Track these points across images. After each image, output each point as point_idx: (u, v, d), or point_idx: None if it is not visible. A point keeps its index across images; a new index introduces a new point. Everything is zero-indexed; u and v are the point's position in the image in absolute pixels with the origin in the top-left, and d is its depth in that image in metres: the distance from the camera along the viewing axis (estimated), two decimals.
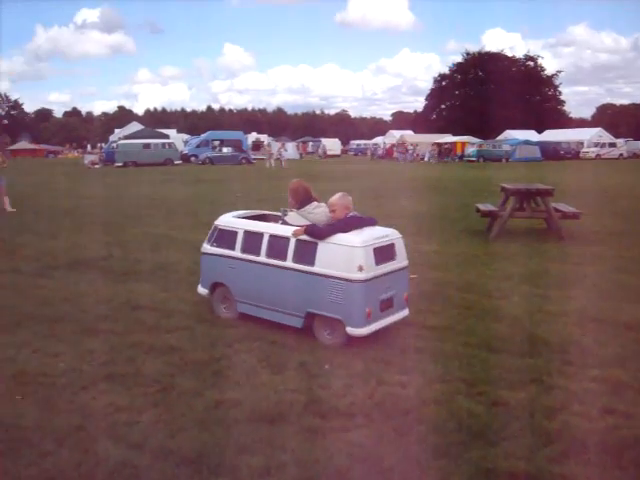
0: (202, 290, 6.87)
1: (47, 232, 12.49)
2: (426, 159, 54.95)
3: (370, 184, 24.96)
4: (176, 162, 48.08)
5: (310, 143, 79.76)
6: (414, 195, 20.02)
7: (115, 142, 53.65)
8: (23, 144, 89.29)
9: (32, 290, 7.84)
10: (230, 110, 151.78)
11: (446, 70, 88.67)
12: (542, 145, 53.79)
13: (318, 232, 5.82)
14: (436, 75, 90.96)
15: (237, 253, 6.36)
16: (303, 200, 6.22)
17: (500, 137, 61.76)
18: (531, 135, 62.44)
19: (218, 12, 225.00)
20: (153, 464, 3.68)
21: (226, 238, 6.52)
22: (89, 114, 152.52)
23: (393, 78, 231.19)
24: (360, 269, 5.59)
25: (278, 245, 6.02)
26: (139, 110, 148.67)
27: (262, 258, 6.13)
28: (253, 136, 68.64)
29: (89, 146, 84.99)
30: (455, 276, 8.57)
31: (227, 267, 6.48)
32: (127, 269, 9.08)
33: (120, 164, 45.79)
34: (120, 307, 6.99)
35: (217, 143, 54.85)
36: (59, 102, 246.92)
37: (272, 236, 6.10)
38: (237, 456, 3.80)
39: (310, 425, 4.19)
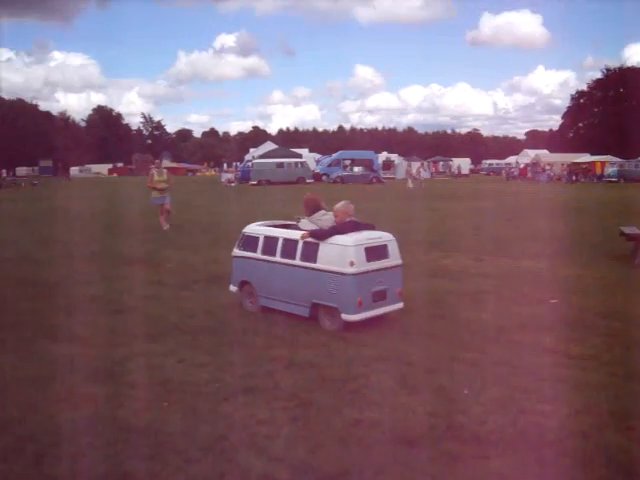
0: (233, 288, 7.96)
1: (189, 247, 13.05)
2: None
3: (505, 205, 24.34)
4: (308, 181, 48.98)
5: (440, 162, 78.94)
6: (551, 216, 19.31)
7: (250, 161, 55.41)
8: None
9: (176, 302, 8.20)
10: (361, 129, 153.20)
11: (584, 87, 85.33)
12: None
13: (320, 234, 6.93)
14: (573, 92, 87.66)
15: (258, 255, 7.48)
16: (313, 209, 7.29)
17: None
18: None
19: (349, 34, 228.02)
20: (294, 479, 3.71)
21: (250, 243, 7.64)
22: (226, 134, 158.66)
23: (527, 96, 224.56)
24: (351, 264, 6.61)
25: (289, 247, 7.13)
26: (273, 130, 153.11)
27: (277, 258, 7.24)
28: (384, 155, 68.82)
29: (225, 165, 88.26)
30: (597, 302, 8.11)
31: (251, 267, 7.60)
32: None
33: (255, 182, 47.23)
34: (260, 321, 7.17)
35: (348, 162, 55.43)
36: (198, 123, 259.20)
37: (285, 239, 7.22)
38: (376, 476, 3.76)
39: (450, 450, 4.08)
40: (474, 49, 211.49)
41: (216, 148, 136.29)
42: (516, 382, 5.29)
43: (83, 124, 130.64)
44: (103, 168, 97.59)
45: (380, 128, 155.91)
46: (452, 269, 10.67)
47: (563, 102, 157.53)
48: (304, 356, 5.89)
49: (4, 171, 74.10)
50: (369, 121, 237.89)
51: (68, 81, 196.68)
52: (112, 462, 3.88)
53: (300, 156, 58.88)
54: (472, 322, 7.17)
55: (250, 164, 52.89)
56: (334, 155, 60.54)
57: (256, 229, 7.76)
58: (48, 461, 3.90)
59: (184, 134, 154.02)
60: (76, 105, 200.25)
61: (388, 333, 6.73)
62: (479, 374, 5.46)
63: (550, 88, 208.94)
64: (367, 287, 6.73)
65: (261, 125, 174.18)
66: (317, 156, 69.52)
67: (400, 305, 7.20)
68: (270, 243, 7.35)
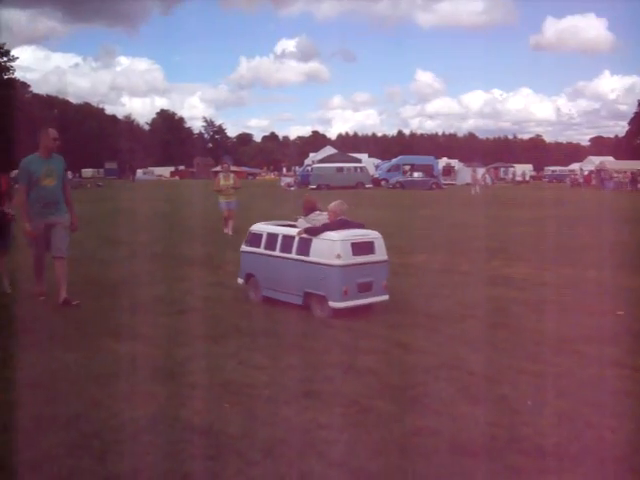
0: (240, 280, 8.77)
1: None
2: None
3: (569, 212, 23.82)
4: (367, 186, 48.94)
5: (501, 169, 77.76)
6: (615, 225, 18.79)
7: (310, 165, 55.73)
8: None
9: (236, 304, 8.28)
10: (421, 135, 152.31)
11: None
12: None
13: (312, 231, 7.74)
14: None
15: (262, 250, 8.27)
16: (309, 210, 8.26)
17: None
18: None
19: (410, 39, 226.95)
20: None
21: (255, 239, 8.46)
22: (285, 138, 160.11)
23: (591, 101, 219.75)
24: (338, 257, 7.36)
25: (287, 242, 7.94)
26: (332, 135, 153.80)
27: (277, 252, 8.04)
28: (444, 161, 68.22)
29: (284, 169, 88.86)
30: None
31: (255, 261, 8.43)
32: None
33: (314, 187, 47.42)
34: (318, 326, 7.17)
35: (408, 168, 55.15)
36: (258, 127, 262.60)
37: (284, 236, 8.04)
38: None
39: (514, 463, 3.98)
40: (537, 53, 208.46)
41: (276, 152, 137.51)
42: (581, 395, 5.14)
43: (147, 127, 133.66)
44: (165, 171, 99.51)
45: (440, 133, 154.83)
46: (514, 277, 10.48)
47: (629, 108, 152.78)
48: (364, 362, 5.86)
49: (69, 173, 76.05)
50: (429, 126, 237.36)
51: (133, 85, 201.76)
52: (173, 461, 3.91)
53: (359, 161, 58.93)
54: (535, 332, 7.02)
55: (310, 168, 53.25)
56: (394, 160, 60.41)
57: (261, 227, 8.61)
58: (112, 458, 3.96)
59: (244, 138, 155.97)
60: (140, 109, 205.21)
61: (449, 341, 6.64)
62: (543, 385, 5.34)
63: (616, 93, 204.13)
64: (353, 278, 7.46)
65: (321, 130, 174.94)
66: (376, 161, 69.42)
67: (385, 297, 7.87)
68: (271, 239, 8.21)
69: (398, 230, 17.79)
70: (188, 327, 7.15)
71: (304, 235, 7.75)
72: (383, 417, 4.64)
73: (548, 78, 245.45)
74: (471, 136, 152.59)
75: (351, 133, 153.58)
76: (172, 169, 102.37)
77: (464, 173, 61.78)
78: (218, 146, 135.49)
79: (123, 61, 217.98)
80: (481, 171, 52.76)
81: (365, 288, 7.58)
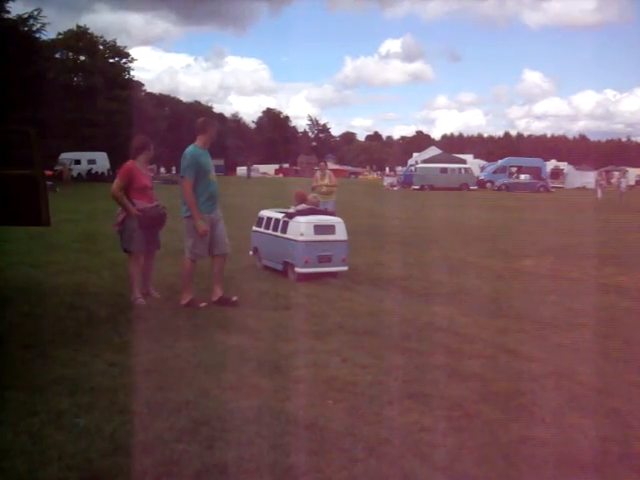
0: (250, 252, 11.14)
1: (351, 248, 13.18)
2: None
3: None
4: (472, 187, 48.10)
5: (615, 172, 74.34)
6: None
7: (413, 166, 55.31)
8: (329, 165, 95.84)
9: (340, 302, 8.32)
10: (528, 136, 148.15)
11: None
12: None
13: (291, 215, 9.98)
14: None
15: (262, 230, 10.67)
16: (300, 201, 10.60)
17: None
18: None
19: (517, 38, 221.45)
20: None
21: (260, 222, 10.86)
22: (389, 138, 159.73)
23: None
24: (301, 235, 9.55)
25: (276, 224, 10.26)
26: (436, 135, 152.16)
27: (270, 232, 10.37)
28: (552, 163, 66.09)
29: (387, 169, 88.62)
30: None
31: (258, 238, 10.85)
32: (427, 290, 9.24)
33: (417, 187, 47.07)
34: (422, 327, 7.10)
35: (514, 170, 53.82)
36: (362, 126, 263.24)
37: (275, 219, 10.36)
38: None
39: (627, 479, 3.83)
40: None
41: (379, 152, 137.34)
42: None
43: (253, 126, 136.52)
44: (270, 168, 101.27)
45: (549, 135, 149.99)
46: (627, 286, 10.02)
47: None
48: (469, 366, 5.76)
49: (173, 168, 78.42)
50: (537, 127, 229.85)
51: (241, 85, 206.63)
52: (278, 453, 3.98)
53: (464, 162, 58.00)
54: None
55: (413, 168, 52.80)
56: (500, 162, 59.03)
57: (264, 213, 10.96)
58: (219, 445, 4.07)
59: (348, 137, 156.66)
60: (247, 108, 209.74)
61: (558, 349, 6.44)
62: None
63: None
64: (313, 251, 9.60)
65: (425, 130, 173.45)
66: (482, 162, 68.07)
67: (344, 268, 10.01)
68: (268, 222, 10.55)
69: (504, 233, 17.45)
70: (293, 323, 7.25)
71: (286, 219, 9.97)
72: (489, 423, 4.55)
73: None
74: (582, 138, 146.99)
75: (456, 134, 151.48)
76: (276, 167, 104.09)
77: (573, 176, 59.67)
78: (322, 145, 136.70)
79: (232, 61, 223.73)
80: (615, 175, 50.18)
81: (325, 260, 9.74)
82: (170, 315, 7.35)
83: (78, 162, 55.94)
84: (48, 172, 36.27)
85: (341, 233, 9.93)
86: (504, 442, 4.26)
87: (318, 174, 16.03)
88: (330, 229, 9.87)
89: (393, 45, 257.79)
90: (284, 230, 9.92)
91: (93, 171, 55.98)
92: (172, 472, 3.71)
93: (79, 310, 7.47)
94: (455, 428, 4.46)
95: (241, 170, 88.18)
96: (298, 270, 9.59)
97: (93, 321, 7.02)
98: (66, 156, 54.81)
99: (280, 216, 10.27)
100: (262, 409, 4.67)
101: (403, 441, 4.22)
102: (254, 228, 11.04)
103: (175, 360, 5.75)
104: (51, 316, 7.16)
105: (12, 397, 4.72)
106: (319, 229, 9.75)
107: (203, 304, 7.80)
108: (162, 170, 78.08)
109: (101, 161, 56.91)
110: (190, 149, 7.85)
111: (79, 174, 54.32)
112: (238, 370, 5.52)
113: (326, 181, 15.63)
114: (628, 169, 71.79)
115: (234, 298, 7.95)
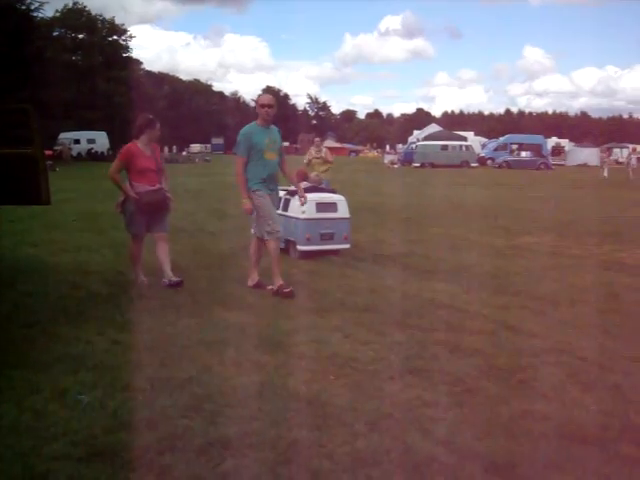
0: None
1: (354, 226, 13.18)
2: None
3: None
4: (472, 165, 48.00)
5: (616, 150, 74.13)
6: None
7: (414, 143, 55.13)
8: (329, 142, 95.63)
9: (341, 279, 8.34)
10: (529, 113, 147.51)
11: None
12: None
13: (292, 193, 9.43)
14: None
15: None
16: (301, 179, 9.95)
17: None
18: None
19: (518, 14, 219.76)
20: (462, 464, 3.66)
21: None
22: (389, 115, 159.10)
23: None
24: (303, 212, 9.41)
25: (278, 202, 8.91)
26: (437, 112, 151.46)
27: (279, 211, 9.20)
28: (553, 141, 65.85)
29: (388, 146, 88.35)
30: None
31: None
32: (428, 267, 9.26)
33: (417, 165, 46.96)
34: (424, 304, 7.12)
35: (515, 147, 53.67)
36: (362, 104, 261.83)
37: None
38: (545, 471, 3.63)
39: (627, 453, 3.83)
40: None
41: (379, 130, 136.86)
42: None
43: (252, 104, 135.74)
44: None
45: (550, 112, 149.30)
46: (628, 263, 10.03)
47: None
48: (470, 342, 5.78)
49: (174, 147, 78.08)
50: (538, 104, 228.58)
51: (240, 63, 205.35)
52: (281, 428, 4.01)
53: (465, 139, 57.78)
54: None
55: (414, 146, 52.61)
56: (501, 139, 58.88)
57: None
58: (222, 421, 4.09)
59: (348, 115, 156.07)
60: (247, 86, 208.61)
61: (558, 325, 6.46)
62: None
63: None
64: (315, 229, 9.65)
65: (425, 107, 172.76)
66: (483, 140, 67.86)
67: (347, 245, 10.02)
68: None
69: (505, 210, 17.44)
70: (296, 300, 7.27)
71: (287, 196, 9.80)
72: (490, 398, 4.58)
73: None
74: (583, 115, 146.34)
75: (456, 111, 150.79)
76: None
77: (575, 154, 59.47)
78: (322, 123, 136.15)
79: (231, 39, 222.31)
80: (625, 151, 49.80)
81: (327, 237, 9.76)
82: (172, 293, 7.37)
83: (78, 142, 55.89)
84: (48, 152, 36.20)
85: (343, 211, 9.97)
86: (505, 417, 4.29)
87: (312, 149, 15.25)
88: (332, 207, 9.91)
89: (393, 22, 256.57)
90: (285, 208, 9.82)
91: (93, 150, 55.92)
92: (176, 447, 3.73)
93: (81, 289, 7.51)
94: (456, 403, 4.48)
95: None
96: (300, 248, 9.64)
97: (95, 299, 7.05)
98: (65, 136, 54.72)
99: (282, 194, 9.89)
100: (264, 385, 4.70)
101: (405, 416, 4.25)
102: None
103: (177, 337, 5.77)
104: (53, 295, 7.18)
105: (16, 375, 4.75)
106: (321, 207, 9.78)
107: (270, 287, 7.62)
108: (165, 149, 77.81)
109: (101, 140, 56.82)
110: (245, 127, 7.70)
111: (79, 153, 54.29)
112: (240, 347, 5.54)
113: (322, 154, 14.89)
114: (630, 146, 71.65)
115: (287, 289, 7.45)
